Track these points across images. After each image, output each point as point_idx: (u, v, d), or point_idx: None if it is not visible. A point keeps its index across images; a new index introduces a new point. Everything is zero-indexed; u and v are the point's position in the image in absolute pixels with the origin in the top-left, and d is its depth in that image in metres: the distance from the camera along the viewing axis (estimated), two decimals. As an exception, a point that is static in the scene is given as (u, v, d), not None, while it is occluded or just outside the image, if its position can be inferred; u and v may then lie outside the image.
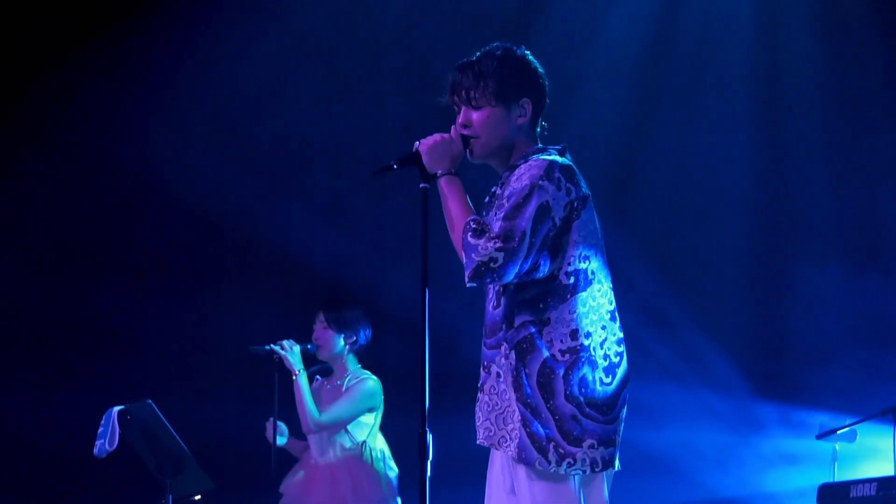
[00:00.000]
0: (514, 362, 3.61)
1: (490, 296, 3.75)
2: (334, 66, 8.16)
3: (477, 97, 3.73)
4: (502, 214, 3.56)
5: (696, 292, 7.82)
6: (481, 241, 3.53)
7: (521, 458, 3.58)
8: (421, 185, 3.72)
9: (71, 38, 7.83)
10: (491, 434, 3.68)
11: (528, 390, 3.58)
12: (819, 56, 7.66)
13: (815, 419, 7.03)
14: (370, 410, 6.17)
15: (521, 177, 3.61)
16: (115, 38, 7.85)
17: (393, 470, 6.18)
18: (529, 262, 3.55)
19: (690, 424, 7.64)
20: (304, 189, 8.18)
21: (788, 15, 7.70)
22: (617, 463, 3.67)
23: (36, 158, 7.95)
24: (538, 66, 3.81)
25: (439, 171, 3.71)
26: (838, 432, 6.75)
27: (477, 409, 3.73)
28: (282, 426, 6.26)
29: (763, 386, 7.62)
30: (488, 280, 3.55)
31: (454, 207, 3.68)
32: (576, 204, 3.62)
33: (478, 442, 3.73)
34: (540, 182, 3.57)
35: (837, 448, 6.84)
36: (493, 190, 3.77)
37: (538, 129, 3.82)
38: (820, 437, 6.85)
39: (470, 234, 3.57)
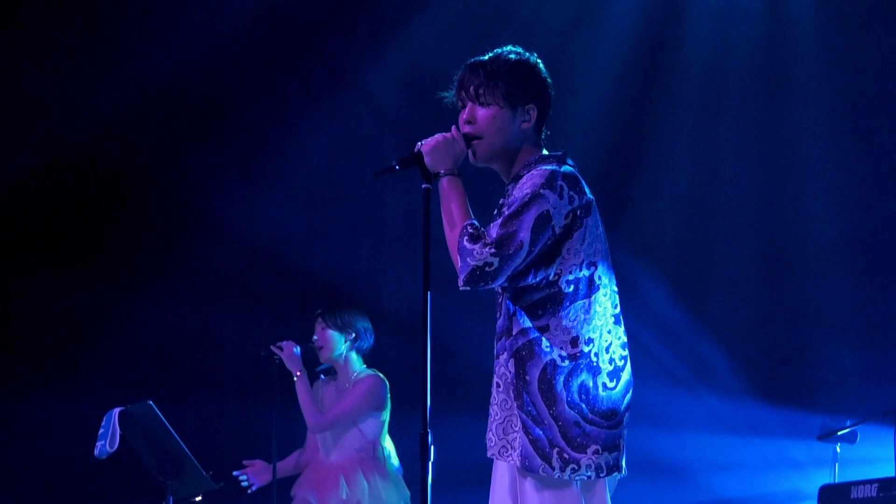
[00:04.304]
0: (513, 370, 3.61)
1: (497, 307, 3.75)
2: (336, 67, 8.16)
3: (485, 95, 3.73)
4: (500, 221, 3.57)
5: (698, 294, 7.82)
6: (477, 247, 3.54)
7: (525, 466, 3.57)
8: (423, 186, 3.72)
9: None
10: (492, 445, 3.69)
11: (530, 397, 3.57)
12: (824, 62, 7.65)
13: (816, 420, 7.02)
14: (377, 409, 6.15)
15: (523, 186, 3.61)
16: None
17: (400, 469, 6.19)
18: (522, 268, 3.56)
19: (691, 426, 7.63)
20: (304, 190, 8.17)
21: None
22: (623, 467, 3.66)
23: (36, 157, 7.94)
24: (547, 75, 3.80)
25: (441, 171, 3.71)
26: (839, 433, 6.74)
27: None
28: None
29: (764, 387, 7.62)
30: (482, 284, 3.57)
31: (454, 208, 3.67)
32: (578, 212, 3.62)
33: (488, 455, 3.72)
34: (541, 191, 3.57)
35: (838, 449, 6.83)
36: (500, 202, 3.76)
37: (542, 137, 3.81)
38: (821, 438, 6.84)
39: (466, 238, 3.58)
